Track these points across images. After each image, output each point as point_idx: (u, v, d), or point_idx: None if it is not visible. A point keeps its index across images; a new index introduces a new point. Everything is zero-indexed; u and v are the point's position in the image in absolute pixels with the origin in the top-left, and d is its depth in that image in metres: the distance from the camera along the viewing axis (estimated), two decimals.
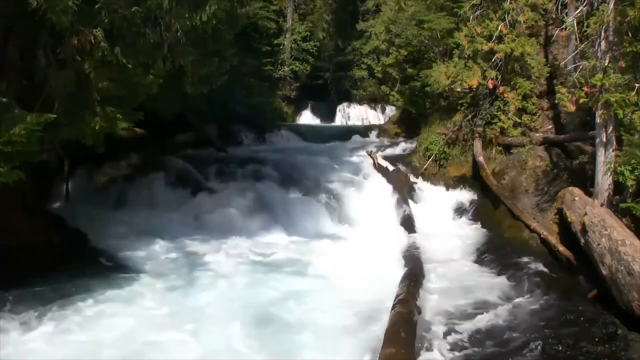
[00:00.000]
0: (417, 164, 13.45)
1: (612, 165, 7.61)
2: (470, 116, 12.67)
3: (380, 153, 14.63)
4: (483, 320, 6.63)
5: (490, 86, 12.05)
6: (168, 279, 7.85)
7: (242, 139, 18.02)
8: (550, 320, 6.49)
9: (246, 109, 19.46)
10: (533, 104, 12.25)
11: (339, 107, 24.36)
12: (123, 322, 6.37)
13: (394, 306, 6.43)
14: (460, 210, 11.54)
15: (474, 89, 12.30)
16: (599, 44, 7.84)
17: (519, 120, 12.00)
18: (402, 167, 13.47)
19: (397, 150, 15.90)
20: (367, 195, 12.03)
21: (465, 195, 11.88)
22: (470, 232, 10.42)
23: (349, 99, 25.30)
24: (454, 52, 13.20)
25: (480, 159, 11.74)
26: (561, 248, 8.52)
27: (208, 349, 5.78)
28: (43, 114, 6.30)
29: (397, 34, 18.10)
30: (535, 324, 6.43)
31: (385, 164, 13.63)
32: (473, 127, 12.46)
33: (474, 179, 12.00)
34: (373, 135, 19.83)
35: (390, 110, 22.88)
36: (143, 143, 11.44)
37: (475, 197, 11.64)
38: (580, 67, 8.19)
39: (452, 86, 12.28)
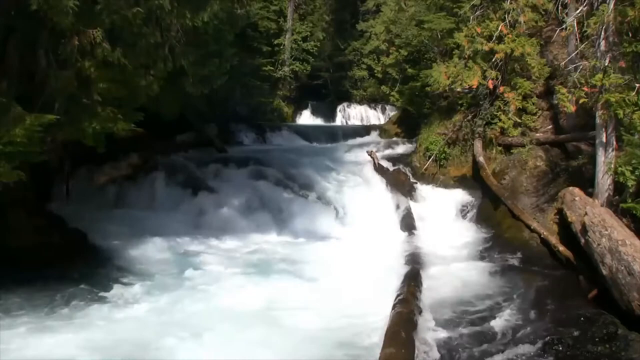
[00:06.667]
0: (418, 164, 13.45)
1: (612, 166, 7.61)
2: (470, 116, 12.66)
3: (380, 153, 14.61)
4: (482, 320, 6.64)
5: (490, 86, 12.05)
6: (168, 279, 7.89)
7: (242, 139, 17.97)
8: (550, 320, 6.50)
9: (246, 109, 19.44)
10: (533, 104, 12.25)
11: (339, 107, 24.33)
12: (122, 321, 6.38)
13: (394, 306, 6.44)
14: (460, 210, 11.52)
15: (474, 89, 12.29)
16: (599, 44, 7.84)
17: (519, 120, 11.99)
18: (402, 167, 13.46)
19: (398, 150, 15.87)
20: (368, 195, 12.03)
21: (465, 196, 11.86)
22: (471, 232, 10.43)
23: (349, 99, 25.26)
24: (454, 52, 13.18)
25: (481, 159, 11.74)
26: (561, 248, 8.52)
27: (205, 347, 5.76)
28: (43, 114, 6.31)
29: (397, 34, 18.12)
30: (536, 323, 6.44)
31: (385, 164, 13.63)
32: (473, 127, 12.45)
33: (474, 179, 11.99)
34: (373, 135, 19.77)
35: (390, 110, 22.84)
36: (143, 143, 11.41)
37: (475, 197, 11.63)
38: (580, 67, 8.19)
39: (452, 86, 12.26)
